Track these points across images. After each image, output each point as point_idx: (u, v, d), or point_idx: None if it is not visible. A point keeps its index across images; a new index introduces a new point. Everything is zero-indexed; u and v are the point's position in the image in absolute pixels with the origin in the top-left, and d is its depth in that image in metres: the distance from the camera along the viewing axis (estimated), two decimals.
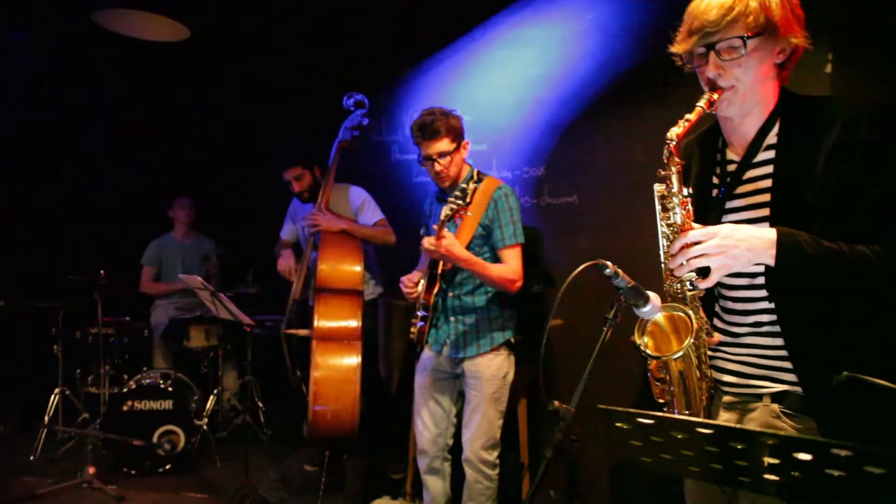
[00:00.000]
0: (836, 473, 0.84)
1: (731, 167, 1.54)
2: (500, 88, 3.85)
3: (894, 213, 1.31)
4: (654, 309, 1.37)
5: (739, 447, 0.87)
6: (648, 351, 1.40)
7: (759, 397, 1.45)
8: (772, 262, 1.32)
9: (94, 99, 5.07)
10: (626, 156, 3.23)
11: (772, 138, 1.47)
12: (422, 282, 2.62)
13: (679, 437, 0.92)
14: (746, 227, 1.35)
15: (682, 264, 1.34)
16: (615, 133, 3.31)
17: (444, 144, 2.55)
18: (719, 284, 1.55)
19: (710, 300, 1.59)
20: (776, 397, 1.42)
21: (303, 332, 3.39)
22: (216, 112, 5.34)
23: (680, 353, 1.36)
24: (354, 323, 3.24)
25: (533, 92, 3.67)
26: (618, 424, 1.00)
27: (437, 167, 2.56)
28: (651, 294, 1.37)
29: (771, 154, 1.46)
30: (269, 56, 4.84)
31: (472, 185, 2.35)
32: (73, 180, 5.12)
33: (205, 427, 4.05)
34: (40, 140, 5.00)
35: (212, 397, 4.24)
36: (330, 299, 3.25)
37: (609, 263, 1.30)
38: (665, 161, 1.44)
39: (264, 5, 4.18)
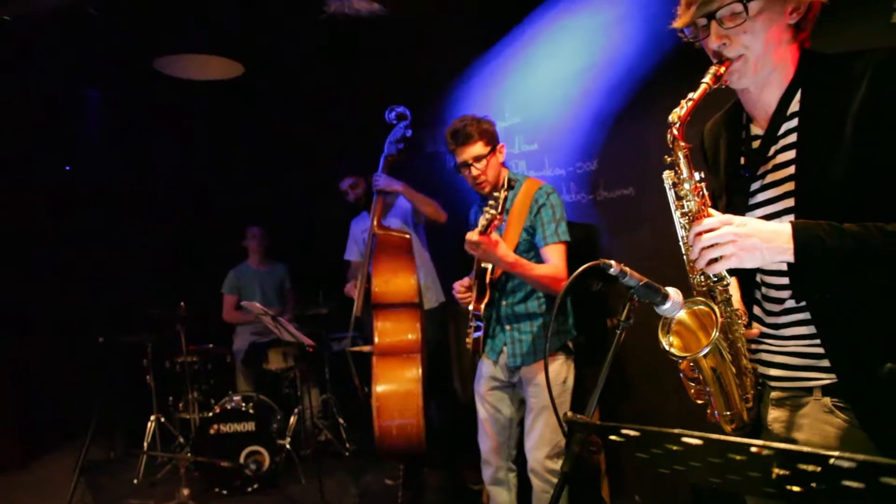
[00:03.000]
0: (854, 485, 0.73)
1: (756, 143, 1.41)
2: (546, 85, 3.75)
3: None
4: (675, 306, 1.27)
5: (739, 458, 0.78)
6: (674, 350, 1.30)
7: (810, 391, 1.31)
8: (791, 258, 1.19)
9: (164, 139, 5.39)
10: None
11: (795, 106, 1.32)
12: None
13: (675, 448, 0.84)
14: (763, 221, 1.24)
15: (698, 255, 1.24)
16: (665, 117, 3.14)
17: (479, 148, 2.52)
18: (760, 270, 1.43)
19: (751, 288, 1.46)
20: (827, 390, 1.28)
21: (366, 348, 3.44)
22: (278, 141, 5.55)
23: (707, 350, 1.25)
24: (413, 336, 3.24)
25: (579, 84, 3.55)
26: (612, 437, 0.93)
27: (475, 171, 2.53)
28: (671, 290, 1.27)
29: (794, 123, 1.32)
30: (321, 82, 4.97)
31: (503, 193, 2.27)
32: (150, 219, 5.46)
33: (288, 446, 4.17)
34: (118, 185, 5.37)
35: (293, 416, 4.37)
36: (387, 314, 3.28)
37: (613, 262, 1.22)
38: (670, 146, 1.35)
39: (310, 32, 4.30)
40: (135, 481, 4.23)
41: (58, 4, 3.71)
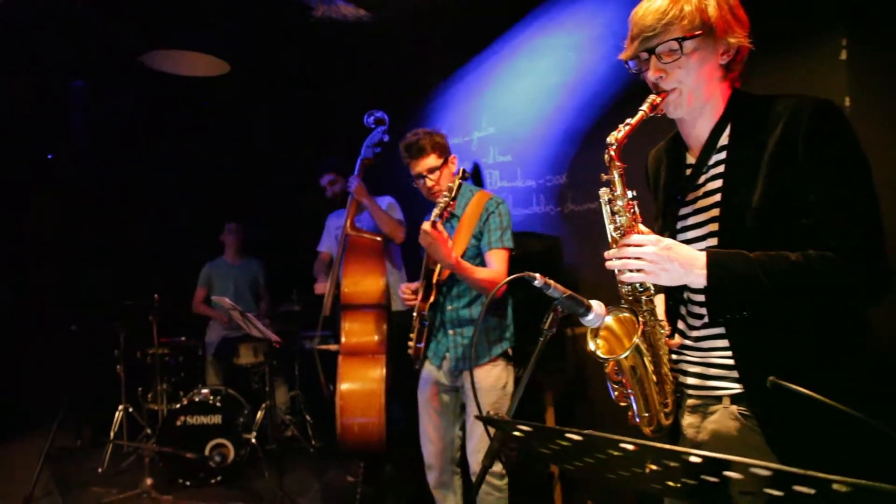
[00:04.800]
0: (711, 479, 0.83)
1: (689, 171, 1.53)
2: (522, 99, 3.86)
3: (834, 215, 1.27)
4: (597, 317, 1.37)
5: (616, 454, 0.87)
6: (599, 353, 1.41)
7: (720, 399, 1.42)
8: (704, 282, 1.32)
9: (146, 133, 5.44)
10: (644, 158, 3.18)
11: (724, 140, 1.45)
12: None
13: (564, 444, 0.93)
14: (686, 246, 1.36)
15: (621, 262, 1.36)
16: (632, 135, 3.26)
17: (432, 160, 2.66)
18: (686, 288, 1.53)
19: (677, 304, 1.56)
20: (735, 399, 1.39)
21: (334, 347, 3.52)
22: (259, 138, 5.63)
23: (627, 353, 1.36)
24: (378, 337, 3.33)
25: (552, 100, 3.66)
26: (515, 434, 1.02)
27: (429, 182, 2.65)
28: (594, 302, 1.37)
29: (723, 156, 1.44)
30: (305, 83, 5.06)
31: (457, 181, 2.39)
32: (130, 210, 5.50)
33: (253, 440, 4.23)
34: (100, 176, 5.41)
35: (260, 411, 4.43)
36: (355, 315, 3.36)
37: (537, 275, 1.31)
38: (607, 165, 1.46)
39: (297, 37, 4.40)
40: (99, 470, 4.27)
41: None
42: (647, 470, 0.88)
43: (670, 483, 0.95)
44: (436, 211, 2.36)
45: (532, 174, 3.80)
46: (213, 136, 5.58)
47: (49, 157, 5.42)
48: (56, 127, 5.25)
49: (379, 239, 3.57)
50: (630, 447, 0.81)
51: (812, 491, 0.71)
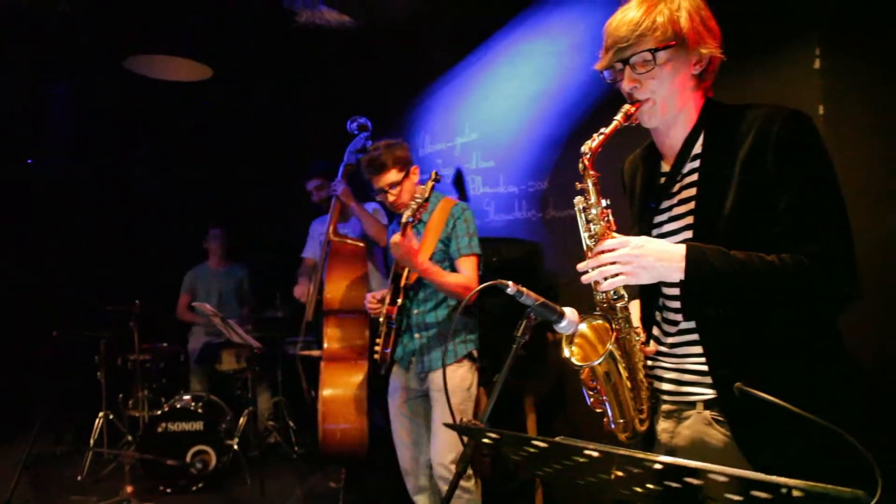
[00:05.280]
0: (673, 485, 0.84)
1: (664, 179, 1.55)
2: (504, 105, 3.88)
3: (804, 222, 1.29)
4: (570, 324, 1.38)
5: (581, 461, 0.88)
6: (574, 360, 1.42)
7: (693, 404, 1.44)
8: (681, 276, 1.32)
9: (128, 138, 5.40)
10: (621, 165, 3.21)
11: (697, 148, 1.47)
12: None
13: (532, 451, 0.94)
14: (660, 241, 1.38)
15: (597, 270, 1.36)
16: (612, 142, 3.28)
17: (393, 175, 2.69)
18: (661, 294, 1.55)
19: (652, 311, 1.58)
20: (708, 404, 1.41)
21: (316, 352, 3.52)
22: (243, 144, 5.61)
23: (601, 359, 1.37)
24: (360, 342, 3.34)
25: (534, 107, 3.68)
26: (484, 440, 1.03)
27: (390, 197, 2.70)
28: (567, 309, 1.38)
29: (697, 164, 1.46)
30: (289, 88, 5.05)
31: (429, 184, 2.44)
32: (112, 216, 5.46)
33: (235, 447, 4.20)
34: (80, 181, 5.37)
35: (243, 417, 4.41)
36: (337, 321, 3.36)
37: (510, 283, 1.32)
38: (581, 174, 1.48)
39: (282, 42, 4.40)
40: (79, 477, 4.22)
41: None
42: (613, 476, 0.89)
43: (637, 489, 0.96)
44: (407, 213, 2.40)
45: (514, 180, 3.82)
46: (196, 140, 5.56)
47: (29, 161, 5.36)
48: (37, 131, 5.20)
49: (362, 245, 3.57)
50: (594, 454, 0.82)
51: (769, 495, 0.72)
